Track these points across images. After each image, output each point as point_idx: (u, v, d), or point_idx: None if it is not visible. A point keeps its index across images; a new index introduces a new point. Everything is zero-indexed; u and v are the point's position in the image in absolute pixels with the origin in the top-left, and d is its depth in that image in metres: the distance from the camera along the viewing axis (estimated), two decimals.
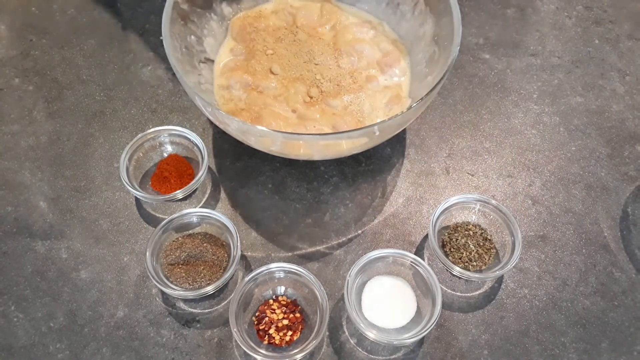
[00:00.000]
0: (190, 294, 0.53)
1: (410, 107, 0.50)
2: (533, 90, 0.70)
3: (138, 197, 0.59)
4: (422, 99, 0.51)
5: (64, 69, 0.71)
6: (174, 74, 0.70)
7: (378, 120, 0.58)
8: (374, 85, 0.62)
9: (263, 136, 0.52)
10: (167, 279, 0.54)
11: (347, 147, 0.54)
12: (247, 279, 0.52)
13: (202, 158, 0.59)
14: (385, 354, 0.52)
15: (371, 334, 0.50)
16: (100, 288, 0.56)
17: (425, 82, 0.60)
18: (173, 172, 0.60)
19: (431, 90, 0.51)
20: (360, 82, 0.62)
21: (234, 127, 0.52)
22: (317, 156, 0.57)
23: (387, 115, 0.60)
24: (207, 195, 0.62)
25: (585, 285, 0.56)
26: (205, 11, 0.64)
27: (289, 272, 0.53)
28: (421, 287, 0.54)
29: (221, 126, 0.55)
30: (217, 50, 0.65)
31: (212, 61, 0.64)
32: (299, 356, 0.49)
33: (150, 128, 0.62)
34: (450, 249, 0.56)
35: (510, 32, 0.75)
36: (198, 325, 0.54)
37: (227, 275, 0.53)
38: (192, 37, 0.61)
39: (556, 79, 0.71)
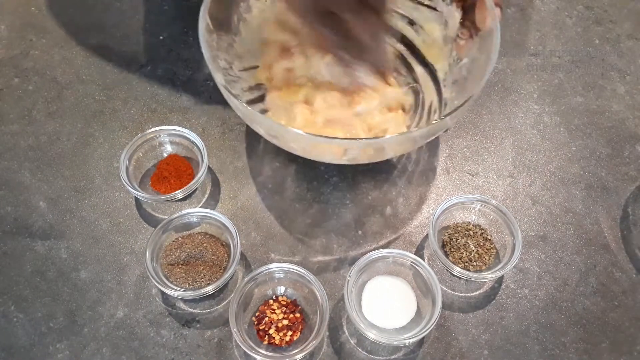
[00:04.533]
0: (190, 294, 0.53)
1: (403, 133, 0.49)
2: (533, 90, 0.70)
3: (138, 197, 0.59)
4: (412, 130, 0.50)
5: (63, 69, 0.71)
6: (174, 74, 0.70)
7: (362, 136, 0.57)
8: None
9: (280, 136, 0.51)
10: (167, 279, 0.54)
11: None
12: (247, 279, 0.52)
13: (202, 158, 0.59)
14: (385, 354, 0.52)
15: (371, 334, 0.50)
16: (100, 288, 0.56)
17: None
18: (173, 172, 0.60)
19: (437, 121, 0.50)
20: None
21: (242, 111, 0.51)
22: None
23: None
24: (207, 195, 0.62)
25: (586, 286, 0.56)
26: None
27: (289, 272, 0.53)
28: (421, 287, 0.54)
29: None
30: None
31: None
32: (299, 356, 0.49)
33: (150, 128, 0.62)
34: (450, 249, 0.56)
35: (510, 31, 0.75)
36: (198, 325, 0.54)
37: (227, 275, 0.53)
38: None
39: (556, 78, 0.71)
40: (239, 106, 0.50)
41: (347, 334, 0.53)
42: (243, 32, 0.61)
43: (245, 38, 0.61)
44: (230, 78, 0.58)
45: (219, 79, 0.51)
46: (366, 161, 0.56)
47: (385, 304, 0.53)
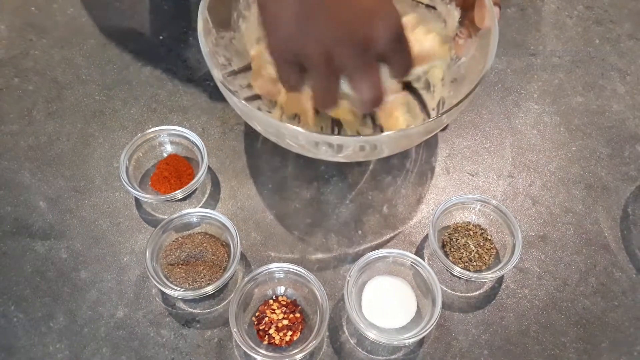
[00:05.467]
0: (190, 294, 0.53)
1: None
2: (533, 90, 0.70)
3: (138, 197, 0.59)
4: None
5: (63, 69, 0.71)
6: (174, 74, 0.70)
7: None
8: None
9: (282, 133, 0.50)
10: (167, 279, 0.54)
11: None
12: (247, 279, 0.52)
13: (202, 158, 0.59)
14: (385, 354, 0.52)
15: (371, 334, 0.50)
16: (100, 288, 0.56)
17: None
18: (173, 172, 0.60)
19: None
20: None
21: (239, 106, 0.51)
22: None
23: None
24: (207, 195, 0.62)
25: (586, 286, 0.56)
26: None
27: (289, 272, 0.53)
28: (421, 287, 0.54)
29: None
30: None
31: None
32: (299, 356, 0.49)
33: (149, 128, 0.62)
34: (450, 249, 0.56)
35: (510, 31, 0.75)
36: (198, 325, 0.54)
37: (227, 275, 0.53)
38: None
39: (556, 78, 0.71)
40: (236, 102, 0.50)
41: (347, 334, 0.53)
42: (243, 28, 0.61)
43: (245, 35, 0.61)
44: (229, 74, 0.58)
45: (217, 74, 0.51)
46: (363, 159, 0.55)
47: (385, 304, 0.53)
